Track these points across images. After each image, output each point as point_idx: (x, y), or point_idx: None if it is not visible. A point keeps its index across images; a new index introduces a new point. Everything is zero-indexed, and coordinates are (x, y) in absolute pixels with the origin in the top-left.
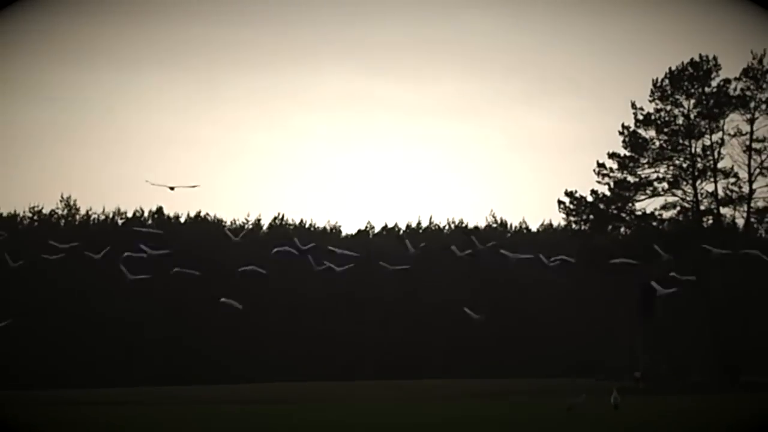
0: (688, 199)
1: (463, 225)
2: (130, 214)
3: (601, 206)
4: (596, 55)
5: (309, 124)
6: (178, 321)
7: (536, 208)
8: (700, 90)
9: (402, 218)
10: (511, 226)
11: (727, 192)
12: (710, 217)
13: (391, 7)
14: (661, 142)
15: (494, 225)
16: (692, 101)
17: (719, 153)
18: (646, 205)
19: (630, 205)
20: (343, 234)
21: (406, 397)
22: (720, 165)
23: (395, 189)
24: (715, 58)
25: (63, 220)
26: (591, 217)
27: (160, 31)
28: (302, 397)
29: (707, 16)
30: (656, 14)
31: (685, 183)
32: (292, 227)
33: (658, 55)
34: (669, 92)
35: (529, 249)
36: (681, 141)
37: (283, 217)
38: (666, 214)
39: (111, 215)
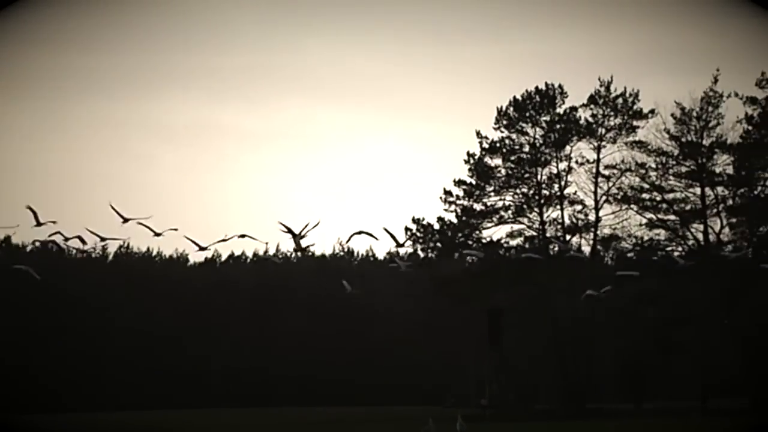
0: (534, 226)
1: (310, 253)
2: None
3: (449, 233)
4: (445, 82)
5: (152, 151)
6: None
7: (384, 236)
8: (545, 118)
9: (249, 247)
10: (358, 254)
11: (573, 219)
12: (556, 245)
13: (239, 33)
14: (507, 170)
15: (341, 254)
16: (538, 129)
17: (565, 181)
18: (493, 232)
19: (477, 232)
20: (190, 262)
21: (260, 425)
22: (566, 192)
23: (241, 216)
24: (560, 86)
25: None
26: (438, 244)
27: None
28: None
29: (553, 43)
30: (504, 42)
31: (531, 211)
32: (137, 255)
33: (505, 82)
34: (514, 120)
35: (377, 277)
36: (527, 169)
37: (128, 245)
38: (512, 242)
39: None
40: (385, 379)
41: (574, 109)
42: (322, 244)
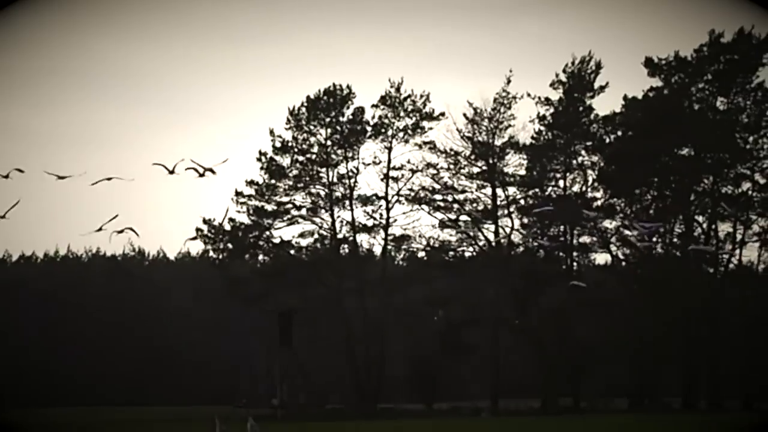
0: (325, 226)
1: (101, 254)
2: None
3: (240, 234)
4: (238, 83)
5: None
6: None
7: (177, 237)
8: (335, 118)
9: (40, 247)
10: (149, 254)
11: (365, 220)
12: (347, 245)
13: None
14: (299, 169)
15: (133, 253)
16: (328, 129)
17: (356, 181)
18: (284, 232)
19: (268, 232)
20: None
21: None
22: (357, 193)
23: (33, 217)
24: (349, 87)
25: None
26: (229, 245)
27: None
28: None
29: (345, 44)
30: (298, 42)
31: (322, 211)
32: None
33: (300, 82)
34: (305, 120)
35: (169, 277)
36: (318, 169)
37: None
38: (304, 242)
39: None
40: (177, 379)
41: (362, 110)
42: (113, 245)
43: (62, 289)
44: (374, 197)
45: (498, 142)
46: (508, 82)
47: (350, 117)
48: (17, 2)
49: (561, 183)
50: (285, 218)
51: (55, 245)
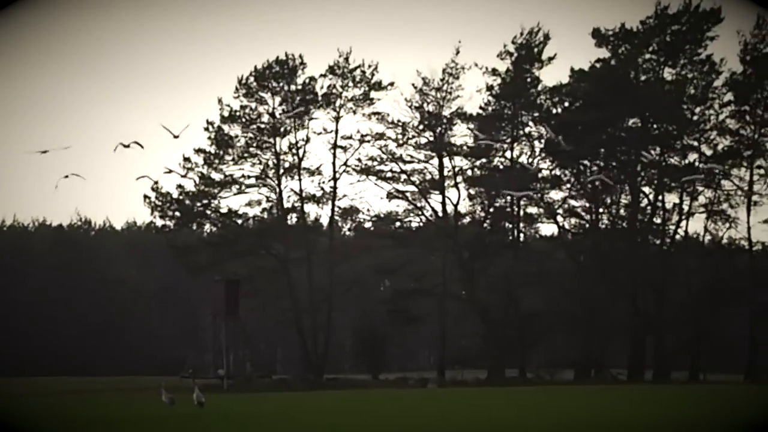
0: (272, 197)
1: (48, 223)
2: None
3: (187, 202)
4: (185, 51)
5: None
6: None
7: (123, 206)
8: (285, 88)
9: None
10: (95, 223)
11: (313, 190)
12: (295, 215)
13: None
14: (247, 139)
15: (79, 223)
16: (278, 99)
17: (304, 151)
18: (232, 201)
19: (216, 201)
20: None
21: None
22: (305, 163)
23: None
24: (300, 56)
25: None
26: (177, 213)
27: None
28: None
29: (295, 14)
30: (250, 12)
31: (270, 180)
32: None
33: (249, 51)
34: (254, 89)
35: (116, 247)
36: (267, 139)
37: None
38: (251, 211)
39: None
40: (124, 349)
41: (313, 79)
42: (59, 215)
43: (7, 258)
44: (322, 167)
45: (446, 112)
46: (457, 52)
47: (300, 87)
48: None
49: (508, 154)
50: (233, 188)
51: (1, 216)
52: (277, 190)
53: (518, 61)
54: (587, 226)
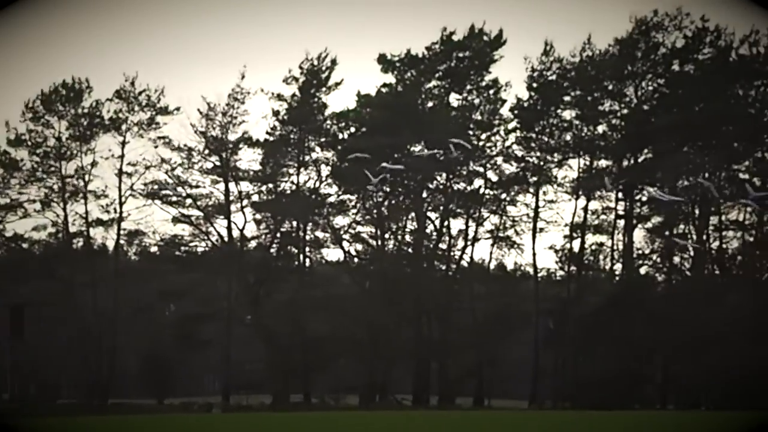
0: (58, 221)
1: None
2: None
3: None
4: None
5: None
6: None
7: None
8: (72, 111)
9: None
10: None
11: (98, 214)
12: (81, 239)
13: None
14: (33, 163)
15: None
16: (64, 123)
17: (90, 175)
18: (17, 225)
19: (1, 226)
20: None
21: None
22: (91, 187)
23: None
24: (87, 80)
25: None
26: None
27: None
28: None
29: (82, 38)
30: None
31: (56, 205)
32: None
33: (35, 77)
34: (41, 113)
35: None
36: (53, 162)
37: None
38: (37, 236)
39: None
40: None
41: (99, 103)
42: None
43: None
44: (108, 191)
45: (231, 137)
46: (242, 77)
47: (87, 110)
48: None
49: (294, 179)
50: (18, 212)
51: None
52: (63, 214)
53: (305, 87)
54: (373, 251)
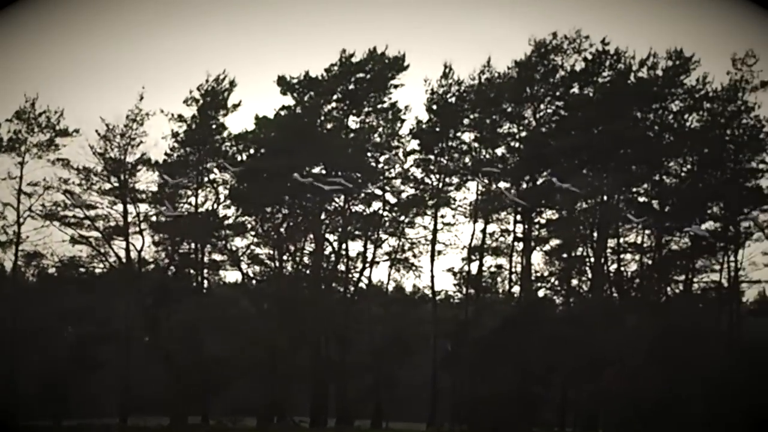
0: None
1: None
2: None
3: None
4: None
5: None
6: None
7: None
8: None
9: None
10: None
11: None
12: None
13: None
14: None
15: None
16: None
17: None
18: None
19: None
20: None
21: None
22: None
23: None
24: None
25: None
26: None
27: None
28: None
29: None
30: None
31: None
32: None
33: None
34: None
35: None
36: None
37: None
38: None
39: None
40: None
41: None
42: None
43: None
44: (5, 212)
45: (130, 158)
46: (141, 98)
47: None
48: None
49: (192, 200)
50: None
51: None
52: None
53: (204, 108)
54: (271, 272)
